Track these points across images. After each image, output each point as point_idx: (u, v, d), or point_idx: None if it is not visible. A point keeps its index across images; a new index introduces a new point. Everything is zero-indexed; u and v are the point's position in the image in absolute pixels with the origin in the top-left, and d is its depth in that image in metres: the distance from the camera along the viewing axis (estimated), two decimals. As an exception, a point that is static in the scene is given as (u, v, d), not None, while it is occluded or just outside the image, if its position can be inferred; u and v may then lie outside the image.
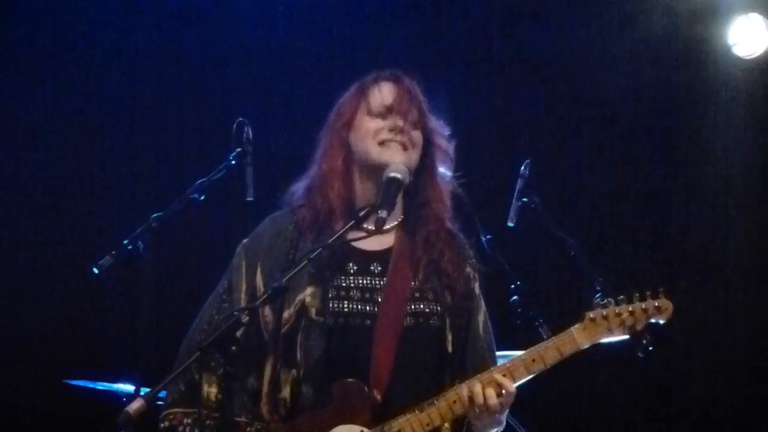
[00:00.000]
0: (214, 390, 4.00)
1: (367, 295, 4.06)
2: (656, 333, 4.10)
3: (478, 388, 3.94)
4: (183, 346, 4.16)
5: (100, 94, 7.45)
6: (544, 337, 5.86)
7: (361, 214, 4.00)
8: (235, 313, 3.66)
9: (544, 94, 7.63)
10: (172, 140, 7.46)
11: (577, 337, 4.04)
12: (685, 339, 7.14)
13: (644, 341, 4.09)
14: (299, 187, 4.25)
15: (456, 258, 4.17)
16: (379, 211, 3.94)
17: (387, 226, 4.09)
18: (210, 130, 7.02)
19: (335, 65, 7.39)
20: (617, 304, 4.06)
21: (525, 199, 5.85)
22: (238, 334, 3.93)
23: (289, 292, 3.98)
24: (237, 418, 3.97)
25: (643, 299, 4.06)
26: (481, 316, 4.22)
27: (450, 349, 4.11)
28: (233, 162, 5.45)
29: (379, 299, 4.05)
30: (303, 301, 4.02)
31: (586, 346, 4.05)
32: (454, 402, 3.97)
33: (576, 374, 6.55)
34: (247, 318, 3.68)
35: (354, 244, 4.08)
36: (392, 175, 4.02)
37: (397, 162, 4.06)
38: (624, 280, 4.72)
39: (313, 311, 4.01)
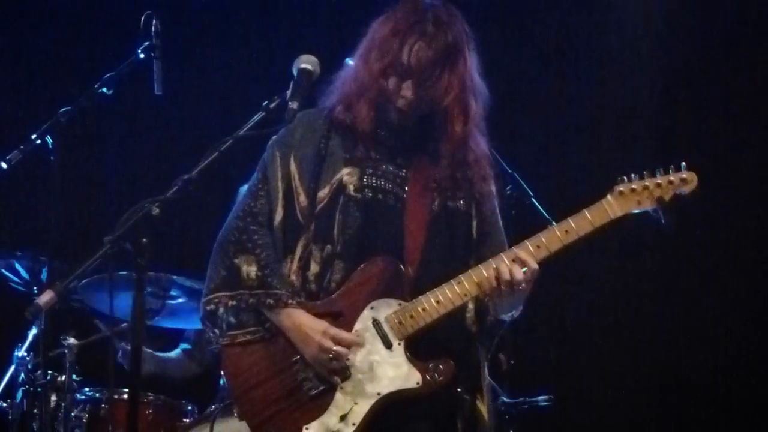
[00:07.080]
0: (253, 269, 4.13)
1: (398, 180, 4.21)
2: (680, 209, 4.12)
3: (504, 266, 4.05)
4: (219, 238, 4.24)
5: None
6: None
7: (272, 105, 3.98)
8: (146, 205, 3.61)
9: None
10: (80, 34, 7.34)
11: (608, 208, 4.11)
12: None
13: (670, 215, 4.12)
14: (334, 88, 4.29)
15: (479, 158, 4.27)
16: (290, 103, 3.94)
17: None
18: (119, 24, 6.90)
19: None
20: (641, 178, 4.13)
21: None
22: (259, 223, 4.14)
23: (323, 174, 4.17)
24: (278, 290, 4.10)
25: (667, 172, 4.15)
26: (497, 210, 4.34)
27: (474, 234, 4.25)
28: (142, 56, 5.41)
29: (406, 188, 4.21)
30: (340, 180, 4.17)
31: (618, 215, 4.11)
32: (480, 280, 4.06)
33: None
34: (158, 210, 3.62)
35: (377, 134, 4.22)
36: (303, 66, 4.05)
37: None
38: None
39: (351, 188, 4.17)
